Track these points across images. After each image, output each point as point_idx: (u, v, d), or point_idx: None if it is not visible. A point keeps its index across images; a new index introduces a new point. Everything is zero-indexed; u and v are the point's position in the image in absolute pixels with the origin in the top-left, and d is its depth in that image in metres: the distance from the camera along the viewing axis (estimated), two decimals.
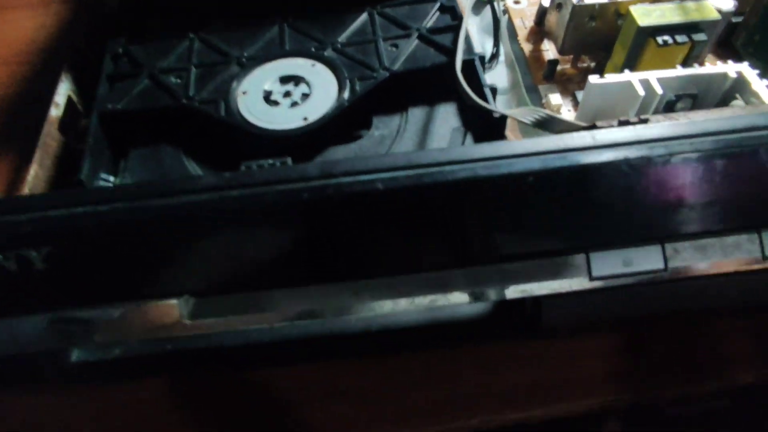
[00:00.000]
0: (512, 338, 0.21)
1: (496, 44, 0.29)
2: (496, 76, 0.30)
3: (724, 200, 0.18)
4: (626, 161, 0.17)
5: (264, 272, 0.18)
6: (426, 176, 0.17)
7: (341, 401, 0.22)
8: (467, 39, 0.25)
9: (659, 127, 0.18)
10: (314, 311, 0.19)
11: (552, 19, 0.29)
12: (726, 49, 0.29)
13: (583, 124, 0.20)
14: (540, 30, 0.31)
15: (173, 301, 0.18)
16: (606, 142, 0.18)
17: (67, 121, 0.27)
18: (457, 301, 0.19)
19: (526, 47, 0.30)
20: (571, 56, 0.29)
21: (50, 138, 0.26)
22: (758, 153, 0.18)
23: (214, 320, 0.18)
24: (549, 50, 0.30)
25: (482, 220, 0.18)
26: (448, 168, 0.17)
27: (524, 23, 0.31)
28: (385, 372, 0.22)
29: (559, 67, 0.29)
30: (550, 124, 0.20)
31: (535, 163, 0.17)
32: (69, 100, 0.28)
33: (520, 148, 0.18)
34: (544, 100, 0.28)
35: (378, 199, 0.17)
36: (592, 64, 0.29)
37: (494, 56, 0.29)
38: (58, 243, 0.17)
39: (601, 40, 0.28)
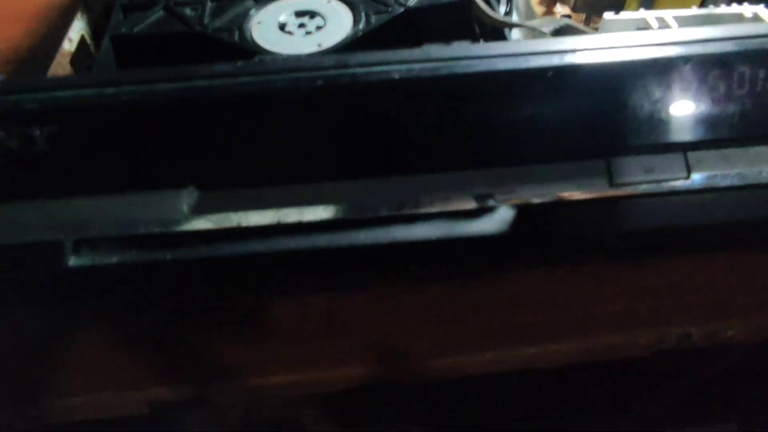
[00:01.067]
0: (532, 257, 0.20)
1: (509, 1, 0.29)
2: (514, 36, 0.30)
3: (752, 105, 0.17)
4: (647, 61, 0.17)
5: (271, 167, 0.18)
6: (444, 69, 0.17)
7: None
8: None
9: (682, 31, 0.18)
10: (328, 214, 0.18)
11: None
12: None
13: (594, 33, 0.19)
14: None
15: (177, 193, 0.18)
16: (627, 43, 0.17)
17: (78, 57, 0.27)
18: (474, 205, 0.18)
19: (539, 10, 0.30)
20: (584, 15, 0.29)
21: (61, 69, 0.26)
22: None
23: (215, 216, 0.18)
24: (561, 12, 0.30)
25: (500, 117, 0.17)
26: (468, 62, 0.17)
27: None
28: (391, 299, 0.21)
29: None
30: (570, 32, 0.20)
31: (553, 60, 0.17)
32: (82, 38, 0.28)
33: (539, 46, 0.17)
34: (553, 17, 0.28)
35: (395, 90, 0.17)
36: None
37: (508, 13, 0.29)
38: (63, 123, 0.17)
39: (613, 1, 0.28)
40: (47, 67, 0.25)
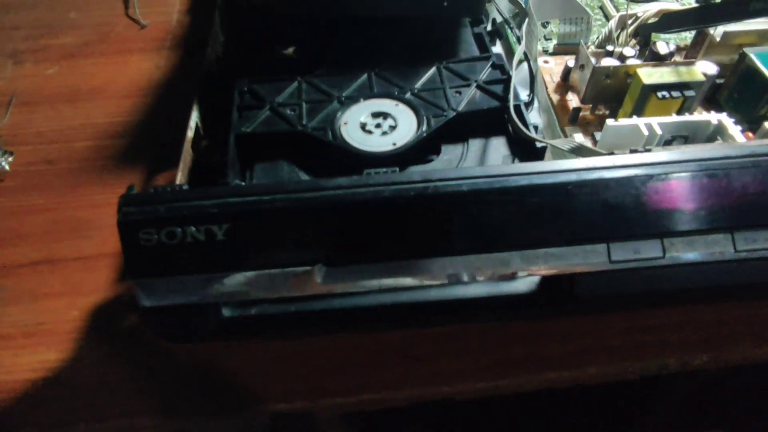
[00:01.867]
0: (554, 309, 0.28)
1: (532, 92, 0.37)
2: (533, 119, 0.38)
3: (706, 208, 0.25)
4: (635, 177, 0.25)
5: (377, 249, 0.25)
6: (496, 182, 0.25)
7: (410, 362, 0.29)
8: (514, 89, 0.33)
9: (659, 154, 0.26)
10: (413, 280, 0.26)
11: (575, 76, 0.37)
12: (712, 103, 0.37)
13: (605, 151, 0.27)
14: (565, 84, 0.39)
15: (310, 268, 0.25)
16: (622, 163, 0.25)
17: (195, 141, 0.35)
18: (516, 274, 0.26)
19: (555, 98, 0.38)
20: (590, 105, 0.37)
21: (187, 153, 0.34)
22: (729, 174, 0.25)
23: (339, 284, 0.26)
24: (572, 100, 0.38)
25: (533, 216, 0.25)
26: (513, 178, 0.25)
27: (552, 78, 0.39)
28: (453, 338, 0.29)
29: (581, 114, 0.37)
30: (580, 151, 0.28)
31: (572, 176, 0.25)
32: (196, 125, 0.36)
33: (562, 166, 0.25)
34: (569, 138, 0.35)
35: (463, 198, 0.25)
36: (607, 112, 0.37)
37: (529, 103, 0.37)
38: (235, 221, 0.25)
39: (615, 94, 0.35)
40: (176, 153, 0.33)
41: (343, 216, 0.25)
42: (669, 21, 0.35)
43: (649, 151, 0.27)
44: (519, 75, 0.41)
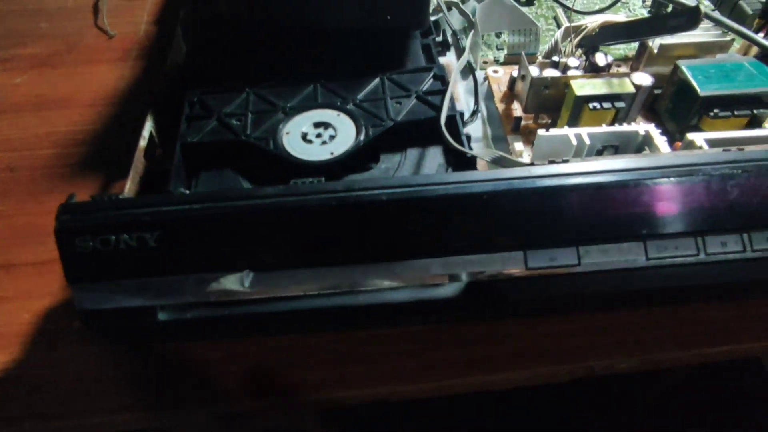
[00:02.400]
0: (481, 313, 0.29)
1: (476, 103, 0.38)
2: (476, 127, 0.39)
3: (619, 217, 0.26)
4: (551, 187, 0.26)
5: (302, 255, 0.27)
6: (414, 192, 0.26)
7: (343, 364, 0.30)
8: (451, 99, 0.34)
9: (575, 165, 0.27)
10: (337, 286, 0.27)
11: (519, 86, 0.39)
12: (652, 113, 0.38)
13: (525, 162, 0.28)
14: (511, 94, 0.40)
15: (237, 274, 0.26)
16: (539, 174, 0.26)
17: (148, 150, 0.36)
18: (436, 280, 0.27)
19: (500, 107, 0.39)
20: (533, 115, 0.38)
21: (139, 162, 0.35)
22: (640, 185, 0.26)
23: (266, 289, 0.27)
24: (517, 109, 0.39)
25: (453, 224, 0.26)
26: (431, 187, 0.26)
27: (500, 88, 0.41)
28: (382, 340, 0.30)
29: (523, 123, 0.38)
30: (502, 162, 0.29)
31: (488, 186, 0.26)
32: (150, 134, 0.37)
33: (477, 176, 0.26)
34: (510, 147, 0.37)
35: (383, 206, 0.26)
36: (549, 121, 0.38)
37: (475, 112, 0.38)
38: (165, 229, 0.26)
39: (555, 104, 0.37)
40: (130, 160, 0.34)
41: (267, 224, 0.26)
42: (605, 34, 0.37)
43: (566, 161, 0.28)
44: (470, 84, 0.42)
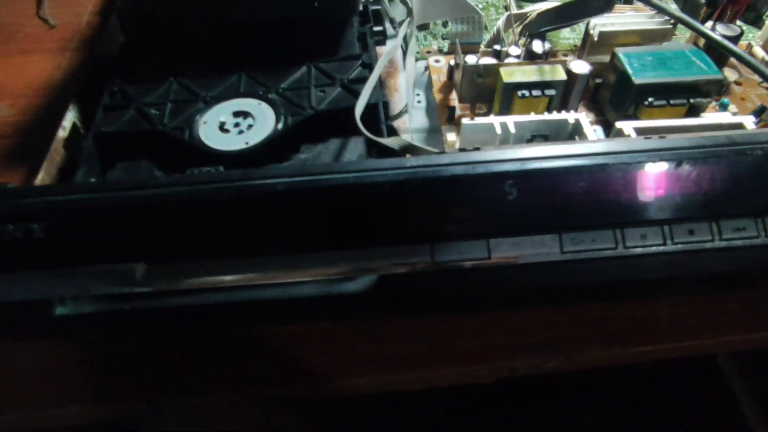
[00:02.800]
0: (389, 309, 0.28)
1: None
2: (420, 118, 0.38)
3: (532, 208, 0.25)
4: (454, 176, 0.25)
5: (198, 247, 0.25)
6: (313, 182, 0.25)
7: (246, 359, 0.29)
8: (378, 88, 0.32)
9: (484, 154, 0.25)
10: (236, 280, 0.26)
11: (456, 75, 0.37)
12: (595, 102, 0.37)
13: (435, 150, 0.27)
14: (450, 83, 0.38)
15: (130, 266, 0.25)
16: (442, 162, 0.25)
17: (71, 141, 0.35)
18: (338, 275, 0.26)
19: (438, 96, 0.38)
20: (469, 105, 0.36)
21: (56, 153, 0.34)
22: (550, 175, 0.25)
23: (160, 282, 0.25)
24: (455, 99, 0.38)
25: (354, 214, 0.25)
26: (330, 176, 0.25)
27: (440, 78, 0.39)
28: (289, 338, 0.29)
29: (459, 113, 0.36)
30: (411, 150, 0.27)
31: (389, 175, 0.25)
32: (74, 125, 0.36)
33: (379, 164, 0.25)
34: (443, 137, 0.35)
35: (280, 197, 0.25)
36: (485, 111, 0.36)
37: (419, 103, 0.37)
38: (52, 220, 0.25)
39: (490, 92, 0.35)
40: (46, 150, 0.33)
41: (157, 214, 0.25)
42: (541, 20, 0.35)
43: (478, 149, 0.26)
44: (410, 74, 0.41)
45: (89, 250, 0.25)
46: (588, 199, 0.25)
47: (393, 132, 0.31)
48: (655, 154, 0.25)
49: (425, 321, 0.29)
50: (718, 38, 0.32)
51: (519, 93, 0.32)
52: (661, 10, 0.34)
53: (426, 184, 0.25)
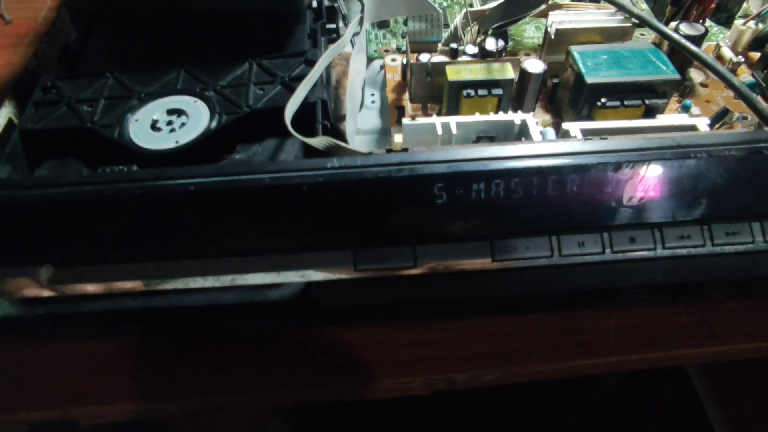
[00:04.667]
0: (311, 320, 0.26)
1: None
2: (372, 118, 0.36)
3: (456, 214, 0.23)
4: (377, 178, 0.23)
5: (108, 250, 0.24)
6: (228, 183, 0.23)
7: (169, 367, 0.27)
8: (318, 86, 0.31)
9: (412, 155, 0.24)
10: (150, 284, 0.24)
11: (408, 74, 0.36)
12: (553, 103, 0.35)
13: (363, 151, 0.25)
14: (404, 83, 0.37)
15: (36, 269, 0.24)
16: (365, 164, 0.23)
17: (4, 138, 0.34)
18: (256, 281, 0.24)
19: (391, 96, 0.36)
20: (421, 105, 0.35)
21: None
22: (477, 176, 0.23)
23: (67, 286, 0.24)
24: (407, 99, 0.36)
25: (272, 217, 0.24)
26: (245, 177, 0.23)
27: (395, 77, 0.38)
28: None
29: (411, 113, 0.35)
30: (336, 151, 0.26)
31: (307, 176, 0.23)
32: (9, 120, 0.34)
33: (298, 165, 0.23)
34: (391, 138, 0.34)
35: (192, 198, 0.23)
36: (438, 111, 0.35)
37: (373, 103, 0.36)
38: None
39: (440, 92, 0.34)
40: None
41: (63, 215, 0.23)
42: (493, 17, 0.34)
43: (406, 150, 0.25)
44: (368, 73, 0.39)
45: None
46: (520, 204, 0.23)
47: (336, 133, 0.30)
48: (593, 157, 0.23)
49: (356, 331, 0.28)
50: (676, 37, 0.30)
51: (464, 92, 0.30)
52: (621, 8, 0.32)
53: (346, 186, 0.23)
